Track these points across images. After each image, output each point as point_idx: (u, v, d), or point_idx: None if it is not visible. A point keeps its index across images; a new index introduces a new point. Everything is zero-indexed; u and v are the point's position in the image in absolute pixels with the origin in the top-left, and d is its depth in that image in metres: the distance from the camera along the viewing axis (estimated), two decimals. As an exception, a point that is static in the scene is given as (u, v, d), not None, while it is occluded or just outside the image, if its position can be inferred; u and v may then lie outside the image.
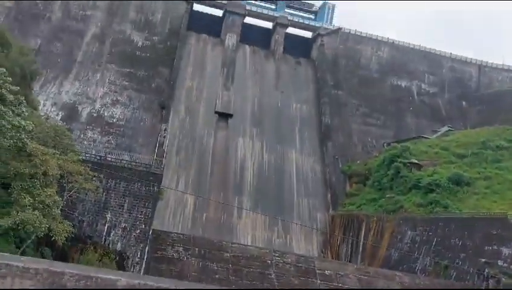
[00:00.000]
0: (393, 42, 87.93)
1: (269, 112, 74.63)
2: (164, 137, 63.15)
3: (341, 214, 61.40)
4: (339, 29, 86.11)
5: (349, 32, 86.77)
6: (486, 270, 36.29)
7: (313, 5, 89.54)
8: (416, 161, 58.81)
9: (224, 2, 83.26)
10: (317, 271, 36.99)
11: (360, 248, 54.10)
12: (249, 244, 57.64)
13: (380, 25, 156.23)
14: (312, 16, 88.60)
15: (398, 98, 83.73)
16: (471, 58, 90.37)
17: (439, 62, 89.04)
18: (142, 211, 35.94)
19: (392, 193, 56.68)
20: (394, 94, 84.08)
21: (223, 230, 59.37)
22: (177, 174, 62.58)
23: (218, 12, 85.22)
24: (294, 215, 63.59)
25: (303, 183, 67.40)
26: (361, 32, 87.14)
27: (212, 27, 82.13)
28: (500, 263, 36.78)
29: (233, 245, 43.48)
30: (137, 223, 35.65)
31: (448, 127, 76.93)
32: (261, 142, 70.05)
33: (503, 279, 34.49)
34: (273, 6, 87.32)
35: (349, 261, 53.94)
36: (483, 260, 37.84)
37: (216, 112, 70.87)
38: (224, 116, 71.07)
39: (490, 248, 38.42)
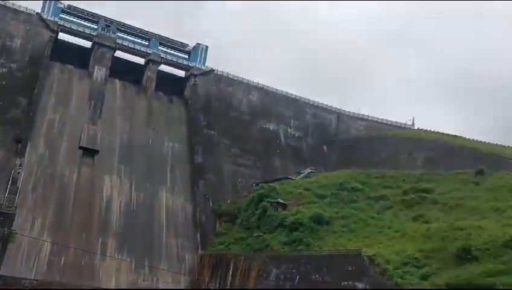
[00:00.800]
0: (262, 87, 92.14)
1: (139, 149, 72.74)
2: (19, 173, 57.79)
3: (210, 254, 61.10)
4: (212, 70, 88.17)
5: (222, 74, 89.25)
6: (344, 305, 38.31)
7: (186, 45, 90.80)
8: (282, 201, 61.13)
9: (93, 33, 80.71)
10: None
11: (228, 287, 54.04)
12: (112, 288, 54.61)
13: (251, 70, 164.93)
14: (186, 56, 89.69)
15: (266, 140, 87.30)
16: (331, 106, 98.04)
17: (303, 108, 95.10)
18: (-13, 256, 32.02)
19: (259, 231, 57.97)
20: (263, 136, 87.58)
21: (84, 274, 55.40)
22: (32, 213, 57.28)
23: (87, 44, 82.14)
24: (162, 256, 61.83)
25: (173, 223, 66.11)
26: (233, 75, 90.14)
27: (79, 58, 78.58)
28: (355, 297, 39.17)
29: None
30: (-19, 269, 31.62)
31: (311, 169, 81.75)
32: (130, 181, 67.58)
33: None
34: (146, 43, 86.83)
35: (217, 301, 53.61)
36: (341, 295, 39.99)
37: (80, 147, 67.06)
38: (90, 152, 67.45)
39: (347, 283, 40.76)
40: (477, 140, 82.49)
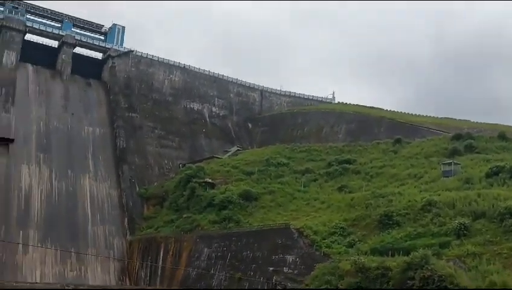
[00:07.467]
0: (184, 66, 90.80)
1: (58, 135, 69.60)
2: None
3: (139, 238, 60.19)
4: (131, 51, 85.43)
5: (141, 55, 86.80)
6: (274, 278, 39.40)
7: (102, 26, 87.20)
8: (210, 180, 61.23)
9: (0, 16, 75.33)
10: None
11: (159, 271, 53.68)
12: (37, 281, 52.49)
13: (173, 53, 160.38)
14: (102, 37, 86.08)
15: (191, 120, 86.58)
16: (254, 84, 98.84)
17: (226, 87, 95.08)
18: None
19: (188, 212, 57.75)
20: (188, 117, 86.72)
21: (5, 269, 52.67)
22: None
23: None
24: (89, 244, 60.15)
25: (98, 210, 64.26)
26: (153, 56, 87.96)
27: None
28: (285, 269, 40.18)
29: (16, 284, 39.06)
30: None
31: (237, 147, 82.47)
32: (49, 169, 64.66)
33: (289, 285, 37.79)
34: (59, 25, 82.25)
35: (149, 285, 53.12)
36: (271, 268, 40.97)
37: (-7, 137, 63.05)
38: (4, 141, 63.65)
39: (277, 256, 41.83)
40: (393, 110, 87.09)
